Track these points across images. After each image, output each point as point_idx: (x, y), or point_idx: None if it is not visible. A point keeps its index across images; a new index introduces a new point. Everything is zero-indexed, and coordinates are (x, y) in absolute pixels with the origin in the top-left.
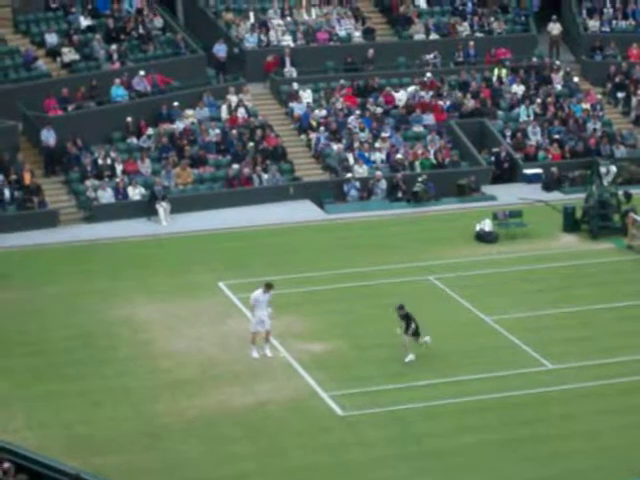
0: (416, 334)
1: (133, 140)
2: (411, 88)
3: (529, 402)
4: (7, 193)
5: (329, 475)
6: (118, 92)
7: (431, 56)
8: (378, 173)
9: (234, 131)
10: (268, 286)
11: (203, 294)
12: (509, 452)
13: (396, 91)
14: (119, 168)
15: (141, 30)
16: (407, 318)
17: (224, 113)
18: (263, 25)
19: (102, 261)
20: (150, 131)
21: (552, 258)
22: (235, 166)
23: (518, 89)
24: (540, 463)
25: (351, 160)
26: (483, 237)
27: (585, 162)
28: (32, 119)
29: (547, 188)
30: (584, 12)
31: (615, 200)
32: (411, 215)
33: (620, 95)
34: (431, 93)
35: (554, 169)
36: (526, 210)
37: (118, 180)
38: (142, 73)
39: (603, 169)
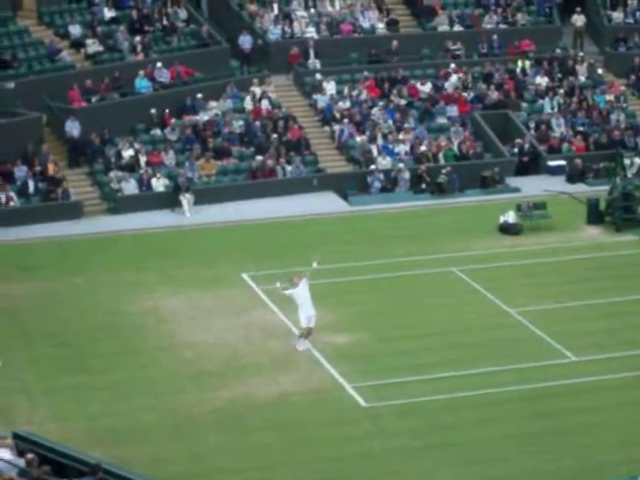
0: None
1: (157, 132)
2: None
3: (552, 394)
4: (31, 184)
5: (353, 466)
6: (142, 84)
7: (455, 47)
8: (400, 165)
9: (258, 123)
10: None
11: (226, 285)
12: (532, 444)
13: (422, 84)
14: (143, 159)
15: (165, 22)
16: None
17: (248, 105)
18: (287, 17)
19: (126, 252)
20: (174, 122)
21: (576, 250)
22: (259, 158)
23: (542, 81)
24: (563, 455)
25: (375, 152)
26: (507, 229)
27: (609, 154)
28: (56, 110)
29: (571, 180)
30: (608, 3)
31: (639, 192)
32: (435, 207)
33: None
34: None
35: (578, 161)
36: (550, 202)
37: (142, 172)
38: (159, 65)
39: (627, 161)
